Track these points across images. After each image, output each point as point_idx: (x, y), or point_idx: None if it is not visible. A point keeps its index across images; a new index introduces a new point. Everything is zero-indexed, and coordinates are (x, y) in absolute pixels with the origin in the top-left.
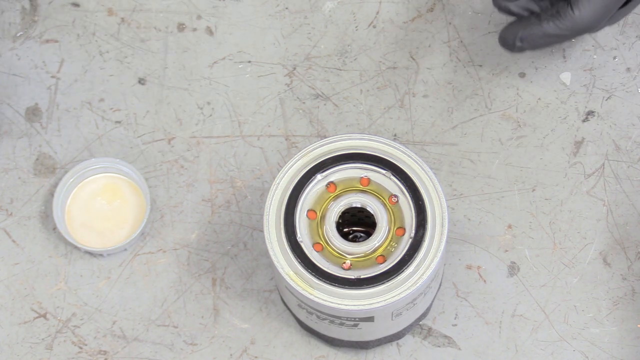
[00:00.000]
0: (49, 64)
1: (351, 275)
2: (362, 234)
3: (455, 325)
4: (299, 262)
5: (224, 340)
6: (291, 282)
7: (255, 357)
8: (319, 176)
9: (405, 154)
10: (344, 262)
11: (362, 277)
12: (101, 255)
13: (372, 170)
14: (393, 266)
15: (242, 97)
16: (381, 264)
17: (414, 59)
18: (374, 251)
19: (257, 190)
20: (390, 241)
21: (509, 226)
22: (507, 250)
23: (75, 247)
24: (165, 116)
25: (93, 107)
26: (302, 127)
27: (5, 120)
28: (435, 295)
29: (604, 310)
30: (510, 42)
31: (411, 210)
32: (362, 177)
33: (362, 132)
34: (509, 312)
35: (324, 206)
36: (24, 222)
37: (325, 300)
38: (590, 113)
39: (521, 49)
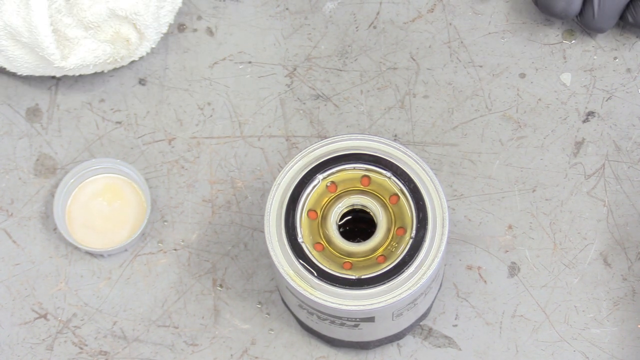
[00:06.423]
0: None
1: (352, 275)
2: (362, 234)
3: (456, 325)
4: (300, 263)
5: (224, 341)
6: (292, 283)
7: (256, 357)
8: (319, 176)
9: (405, 154)
10: (345, 262)
11: (362, 277)
12: (102, 255)
13: (372, 170)
14: (394, 266)
15: (242, 97)
16: (382, 264)
17: (414, 60)
18: (375, 251)
19: (258, 191)
20: (391, 241)
21: (510, 227)
22: (507, 251)
23: (76, 248)
24: (165, 117)
25: (93, 108)
26: (303, 128)
27: (5, 120)
28: (435, 296)
29: (605, 311)
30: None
31: (412, 211)
32: (362, 178)
33: (363, 132)
34: (509, 312)
35: (324, 206)
36: (25, 223)
37: (326, 301)
38: (591, 114)
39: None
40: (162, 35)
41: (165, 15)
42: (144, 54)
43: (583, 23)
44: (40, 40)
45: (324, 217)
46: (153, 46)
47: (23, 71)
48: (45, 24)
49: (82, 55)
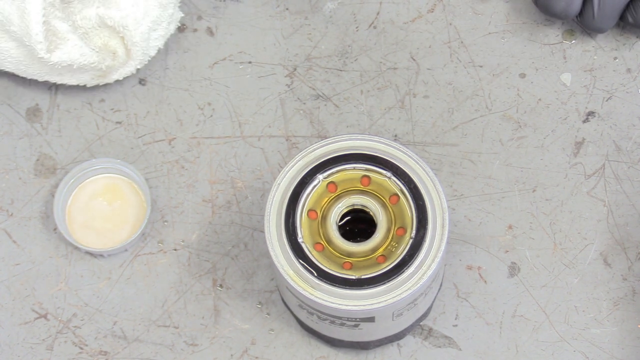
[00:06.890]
0: None
1: (352, 275)
2: (362, 234)
3: (456, 325)
4: (300, 263)
5: (224, 341)
6: (292, 282)
7: (256, 357)
8: (319, 176)
9: (405, 154)
10: (345, 262)
11: (362, 277)
12: (102, 255)
13: (372, 170)
14: (394, 266)
15: (242, 97)
16: (382, 264)
17: (414, 60)
18: (375, 251)
19: (258, 191)
20: (391, 241)
21: (510, 227)
22: (507, 251)
23: (76, 248)
24: (165, 117)
25: (93, 108)
26: (303, 128)
27: (5, 120)
28: (435, 296)
29: (605, 311)
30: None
31: (412, 211)
32: (362, 178)
33: (363, 132)
34: (509, 312)
35: (324, 206)
36: (25, 223)
37: (326, 301)
38: (591, 114)
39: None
40: (149, 58)
41: (156, 39)
42: (129, 74)
43: (583, 23)
44: (30, 28)
45: (324, 217)
46: (139, 67)
47: (6, 65)
48: (38, 12)
49: (68, 50)
